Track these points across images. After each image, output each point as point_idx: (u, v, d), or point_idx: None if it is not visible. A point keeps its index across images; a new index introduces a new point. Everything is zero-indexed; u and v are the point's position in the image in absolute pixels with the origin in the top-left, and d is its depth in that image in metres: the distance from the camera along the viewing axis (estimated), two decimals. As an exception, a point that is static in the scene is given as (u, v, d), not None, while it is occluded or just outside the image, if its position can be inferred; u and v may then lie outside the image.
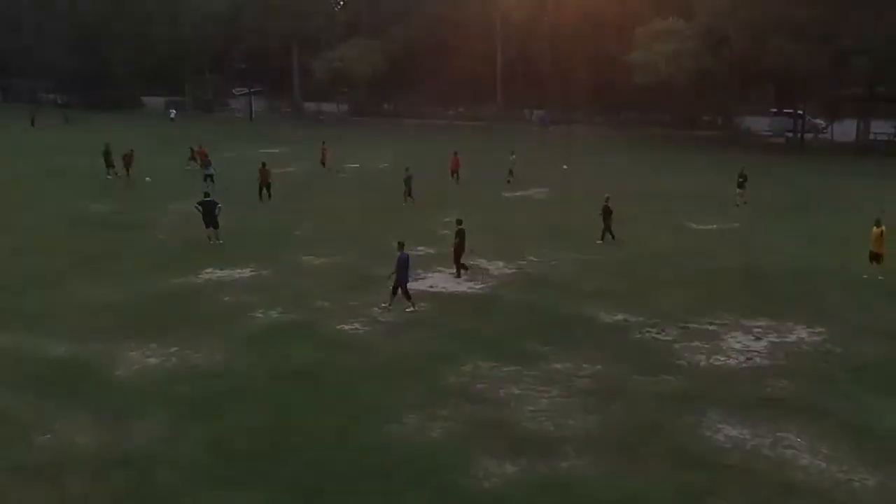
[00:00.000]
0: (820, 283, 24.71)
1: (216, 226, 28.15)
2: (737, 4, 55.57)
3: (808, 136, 65.70)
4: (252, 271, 25.49)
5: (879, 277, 24.46)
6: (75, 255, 27.22)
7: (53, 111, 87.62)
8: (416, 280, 24.47)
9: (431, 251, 28.36)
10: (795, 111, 68.20)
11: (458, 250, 24.89)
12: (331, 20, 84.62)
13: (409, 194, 37.21)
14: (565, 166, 49.61)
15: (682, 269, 26.15)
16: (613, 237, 29.36)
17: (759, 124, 73.91)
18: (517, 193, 40.69)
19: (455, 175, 41.84)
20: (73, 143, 59.15)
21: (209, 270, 25.31)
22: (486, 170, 46.51)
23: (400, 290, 21.09)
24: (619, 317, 21.26)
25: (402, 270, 21.02)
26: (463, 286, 24.15)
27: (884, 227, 24.49)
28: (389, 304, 21.30)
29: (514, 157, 43.63)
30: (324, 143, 48.76)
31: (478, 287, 24.08)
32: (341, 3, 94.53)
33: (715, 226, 33.59)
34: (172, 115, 76.60)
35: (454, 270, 25.01)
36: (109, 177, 43.45)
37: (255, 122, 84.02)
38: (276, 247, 28.59)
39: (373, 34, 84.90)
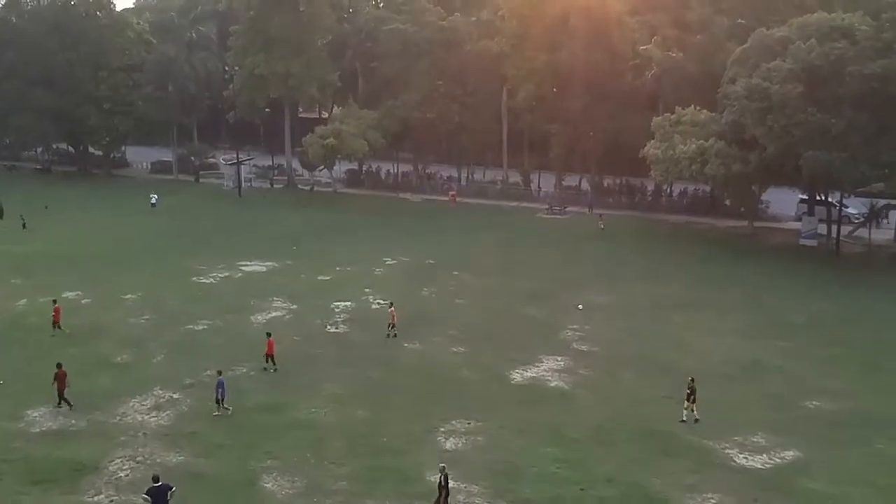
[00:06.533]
0: None
1: (167, 511, 22.72)
2: (764, 109, 49.90)
3: (844, 231, 60.10)
4: None
5: None
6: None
7: (32, 186, 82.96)
8: None
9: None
10: (827, 199, 62.61)
11: None
12: (323, 89, 79.60)
13: (220, 401, 29.99)
14: (580, 306, 43.88)
15: None
16: None
17: (786, 204, 68.60)
18: (527, 374, 35.02)
19: (269, 358, 34.63)
20: (44, 264, 53.67)
21: None
22: (492, 312, 41.19)
23: None
24: None
25: None
26: None
27: None
28: None
29: (392, 308, 39.01)
30: (55, 301, 39.57)
31: None
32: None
33: (765, 456, 27.84)
34: (154, 201, 70.84)
35: None
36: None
37: (244, 198, 78.47)
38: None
39: (370, 104, 79.94)
